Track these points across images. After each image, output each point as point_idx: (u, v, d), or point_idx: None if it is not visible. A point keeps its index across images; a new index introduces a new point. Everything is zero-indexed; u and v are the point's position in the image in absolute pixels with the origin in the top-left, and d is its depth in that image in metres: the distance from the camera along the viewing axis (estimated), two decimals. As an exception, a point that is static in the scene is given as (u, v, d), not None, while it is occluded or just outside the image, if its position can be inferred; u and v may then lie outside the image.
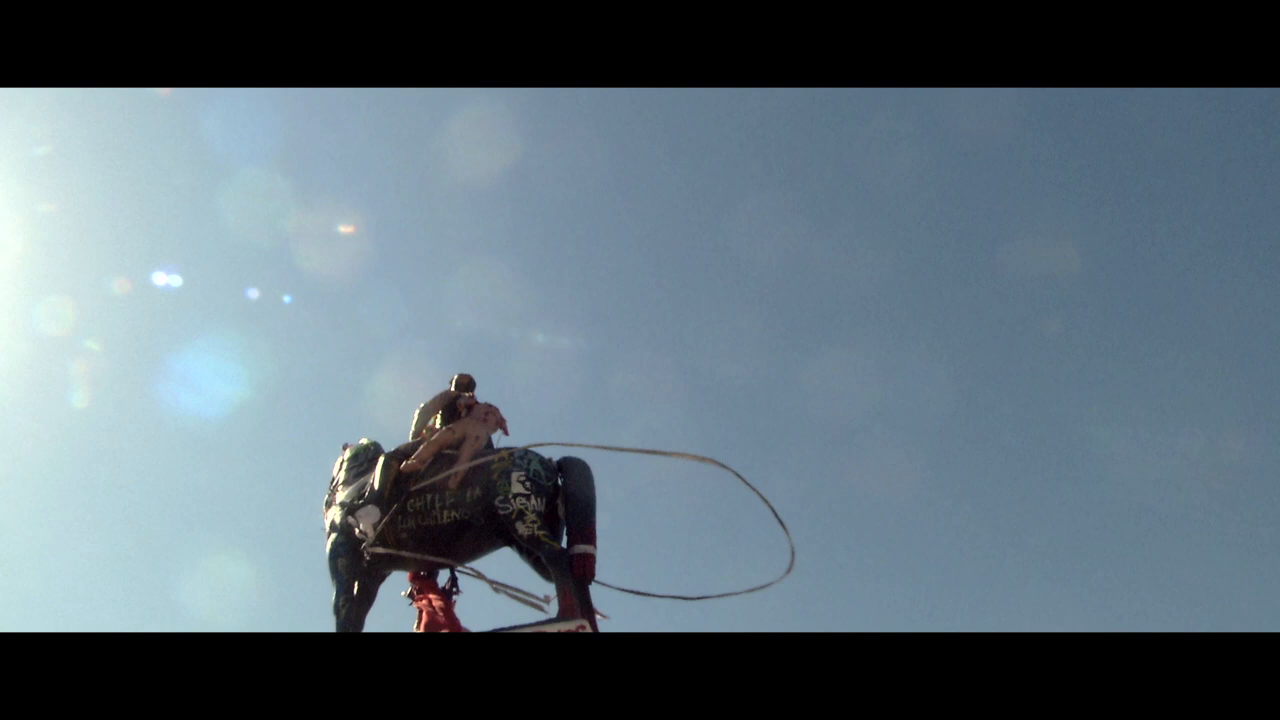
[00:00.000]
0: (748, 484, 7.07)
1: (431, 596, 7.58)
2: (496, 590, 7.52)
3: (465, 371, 8.72)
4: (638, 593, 7.37)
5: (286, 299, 22.91)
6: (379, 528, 7.37)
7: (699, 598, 7.32)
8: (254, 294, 22.16)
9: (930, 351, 24.77)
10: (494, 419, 8.19)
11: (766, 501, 7.03)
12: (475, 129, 21.68)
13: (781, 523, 7.07)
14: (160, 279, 21.32)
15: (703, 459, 7.11)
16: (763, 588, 7.16)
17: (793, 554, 7.05)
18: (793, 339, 25.61)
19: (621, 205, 25.45)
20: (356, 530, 7.47)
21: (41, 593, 21.44)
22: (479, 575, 7.78)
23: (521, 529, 7.11)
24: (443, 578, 7.85)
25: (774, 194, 25.02)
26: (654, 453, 7.26)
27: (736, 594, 7.23)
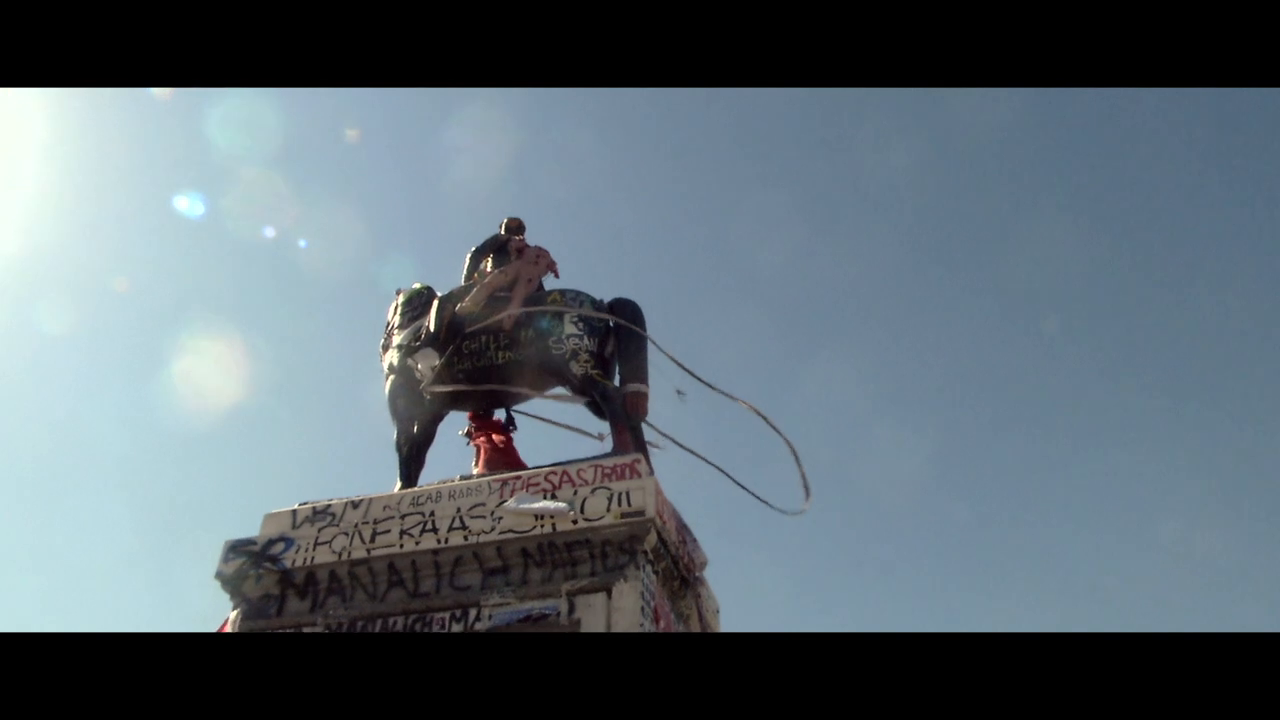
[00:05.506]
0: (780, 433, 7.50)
1: (490, 433, 7.84)
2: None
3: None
4: (686, 448, 7.57)
5: (301, 243, 22.76)
6: (436, 369, 7.55)
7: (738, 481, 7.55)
8: (270, 231, 22.05)
9: (930, 353, 24.59)
10: (545, 262, 8.19)
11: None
12: (474, 129, 21.27)
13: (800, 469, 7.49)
14: (181, 202, 21.30)
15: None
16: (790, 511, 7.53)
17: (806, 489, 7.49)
18: (792, 339, 25.35)
19: (622, 206, 24.92)
20: (416, 371, 7.65)
21: (45, 593, 22.02)
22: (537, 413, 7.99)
23: (575, 369, 7.25)
24: (499, 416, 8.08)
25: (773, 194, 24.52)
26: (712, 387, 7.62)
27: (768, 504, 7.62)
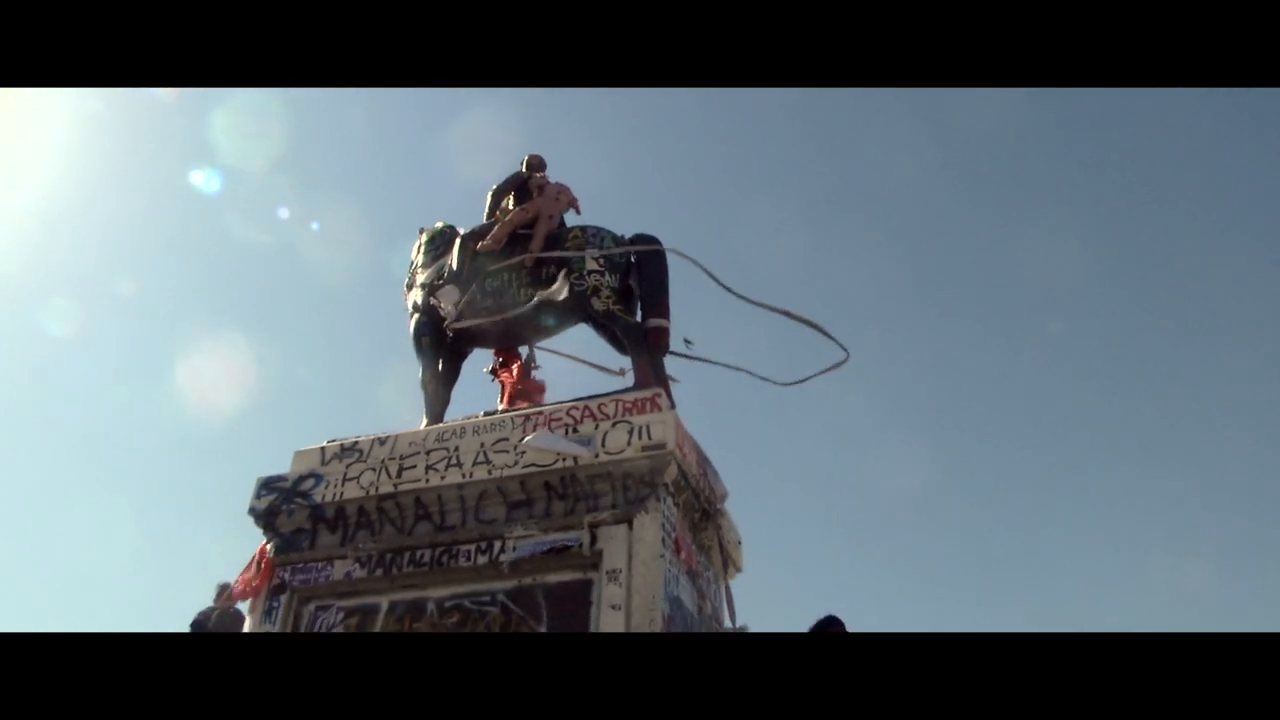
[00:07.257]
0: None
1: (515, 368, 7.93)
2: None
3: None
4: (713, 362, 7.61)
5: (314, 226, 22.64)
6: (459, 306, 7.61)
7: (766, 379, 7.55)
8: (284, 213, 21.97)
9: (932, 354, 24.14)
10: (566, 198, 8.18)
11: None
12: (476, 129, 21.04)
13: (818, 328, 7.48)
14: (196, 177, 21.26)
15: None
16: (835, 366, 7.51)
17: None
18: (794, 344, 25.04)
19: (624, 207, 24.52)
20: (439, 309, 7.72)
21: (51, 595, 22.34)
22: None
23: (597, 304, 7.28)
24: (523, 353, 8.16)
25: (775, 199, 24.05)
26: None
27: (811, 377, 7.62)
